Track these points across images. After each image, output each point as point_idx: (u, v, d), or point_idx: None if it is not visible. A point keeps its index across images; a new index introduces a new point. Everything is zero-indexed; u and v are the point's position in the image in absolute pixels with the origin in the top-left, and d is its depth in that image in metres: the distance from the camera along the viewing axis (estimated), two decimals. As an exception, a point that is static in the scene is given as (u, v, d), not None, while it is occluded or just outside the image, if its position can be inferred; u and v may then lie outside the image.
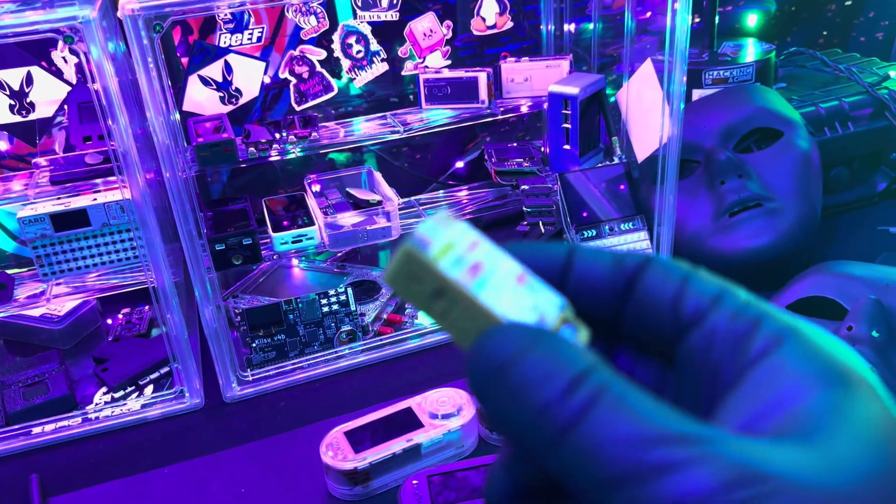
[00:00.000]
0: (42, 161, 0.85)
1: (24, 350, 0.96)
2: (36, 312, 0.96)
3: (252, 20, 1.01)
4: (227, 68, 1.01)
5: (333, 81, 1.05)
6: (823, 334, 0.19)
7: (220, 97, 1.03)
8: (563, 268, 0.22)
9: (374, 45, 1.04)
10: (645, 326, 0.22)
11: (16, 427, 0.81)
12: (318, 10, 1.01)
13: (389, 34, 1.05)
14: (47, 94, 0.95)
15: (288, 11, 1.01)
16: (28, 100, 0.95)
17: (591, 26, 1.05)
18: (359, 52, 1.04)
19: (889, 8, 1.30)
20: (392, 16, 1.01)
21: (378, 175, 0.98)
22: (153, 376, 0.89)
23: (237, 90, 1.03)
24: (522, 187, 0.97)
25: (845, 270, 0.77)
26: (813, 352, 0.19)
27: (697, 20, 1.14)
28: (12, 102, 0.94)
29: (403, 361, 0.90)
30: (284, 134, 0.88)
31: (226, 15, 0.99)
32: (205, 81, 1.01)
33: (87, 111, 0.87)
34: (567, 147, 0.97)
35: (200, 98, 1.02)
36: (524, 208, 0.96)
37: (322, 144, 0.90)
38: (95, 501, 0.73)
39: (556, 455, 0.17)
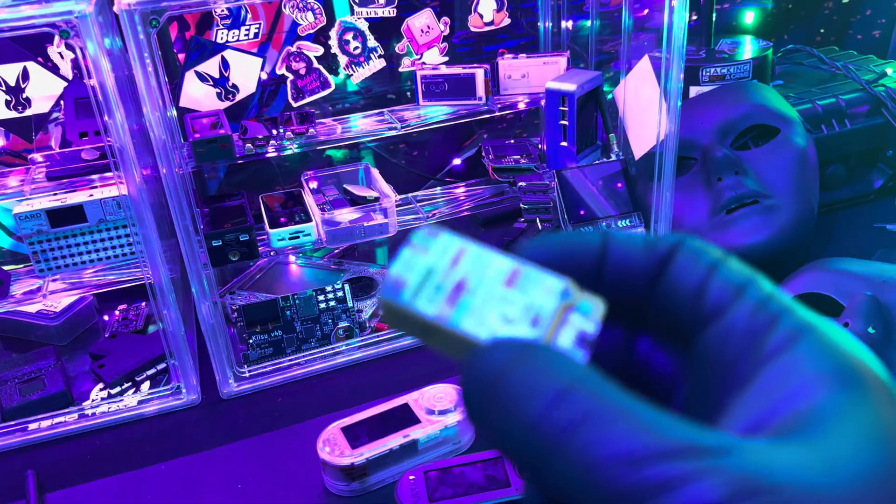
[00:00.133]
0: (38, 157, 0.85)
1: (20, 346, 0.96)
2: (32, 308, 0.96)
3: (249, 16, 1.01)
4: (224, 64, 1.01)
5: (330, 78, 1.05)
6: (840, 332, 0.19)
7: (217, 93, 1.02)
8: (598, 257, 0.22)
9: (372, 42, 1.04)
10: (667, 314, 0.22)
11: (12, 423, 0.81)
12: (316, 6, 1.00)
13: (387, 30, 1.05)
14: (43, 90, 0.95)
15: (285, 7, 1.00)
16: (24, 95, 0.94)
17: (588, 23, 1.05)
18: (356, 48, 1.04)
19: (886, 5, 1.30)
20: (389, 12, 1.01)
21: (375, 172, 0.98)
22: (150, 372, 0.88)
23: (234, 86, 1.03)
24: (520, 184, 0.97)
25: (842, 267, 0.78)
26: (828, 350, 0.18)
27: (695, 17, 1.14)
28: (8, 98, 0.94)
29: (400, 358, 0.90)
30: (281, 130, 0.88)
31: (223, 10, 0.99)
32: (201, 77, 1.01)
33: (84, 107, 0.87)
34: (564, 144, 0.97)
35: (197, 94, 1.01)
36: (521, 205, 0.96)
37: (319, 141, 0.90)
38: (92, 497, 0.73)
39: (550, 474, 0.16)
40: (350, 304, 0.89)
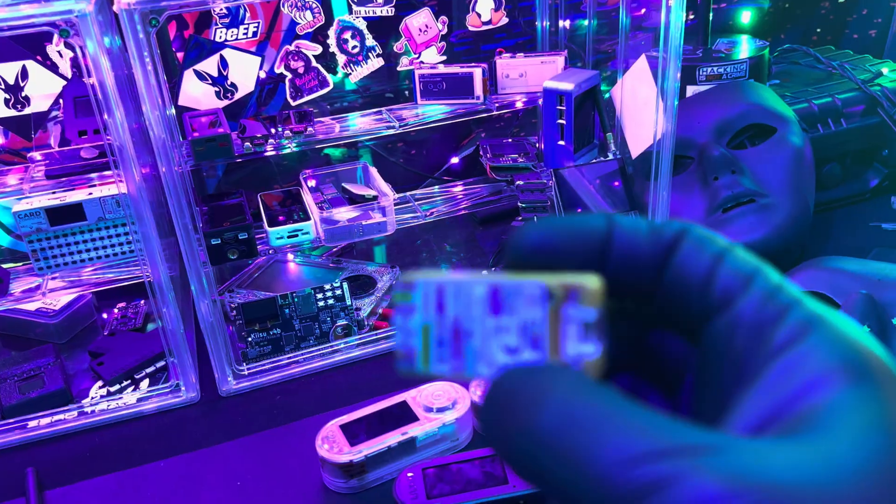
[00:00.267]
0: (37, 155, 0.85)
1: (19, 344, 0.96)
2: (32, 307, 0.96)
3: (247, 15, 1.01)
4: (223, 63, 1.02)
5: (329, 77, 1.05)
6: (850, 325, 0.19)
7: (216, 92, 1.03)
8: (603, 242, 0.22)
9: (370, 41, 1.05)
10: (674, 303, 0.21)
11: (12, 421, 0.82)
12: (314, 6, 1.01)
13: (385, 30, 1.05)
14: (42, 89, 0.95)
15: (283, 6, 1.01)
16: (23, 94, 0.95)
17: (585, 22, 1.05)
18: (354, 47, 1.04)
19: (882, 5, 1.31)
20: (387, 11, 1.02)
21: (373, 170, 0.98)
22: (149, 370, 0.89)
23: (233, 85, 1.03)
24: (517, 183, 0.98)
25: (837, 266, 0.78)
26: (838, 344, 0.18)
27: (692, 17, 1.14)
28: (7, 96, 0.94)
29: (398, 356, 0.90)
30: (280, 129, 0.88)
31: (221, 10, 0.99)
32: (200, 76, 1.01)
33: (83, 105, 0.87)
34: (562, 143, 0.97)
35: (196, 93, 1.02)
36: (519, 204, 0.96)
37: (317, 139, 0.91)
38: (91, 495, 0.73)
39: (553, 479, 0.17)
40: (348, 302, 0.90)
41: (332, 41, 1.03)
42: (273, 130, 0.88)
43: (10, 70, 0.93)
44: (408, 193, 1.03)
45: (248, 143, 0.85)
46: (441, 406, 0.74)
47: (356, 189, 0.93)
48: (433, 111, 0.96)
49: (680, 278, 0.21)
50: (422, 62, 1.08)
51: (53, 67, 0.95)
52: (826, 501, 0.15)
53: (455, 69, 0.97)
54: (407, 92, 1.10)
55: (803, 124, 1.02)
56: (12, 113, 0.95)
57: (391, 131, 0.93)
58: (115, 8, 0.68)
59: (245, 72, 1.03)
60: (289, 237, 0.87)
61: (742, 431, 0.18)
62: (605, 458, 0.16)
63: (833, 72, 1.14)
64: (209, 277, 0.81)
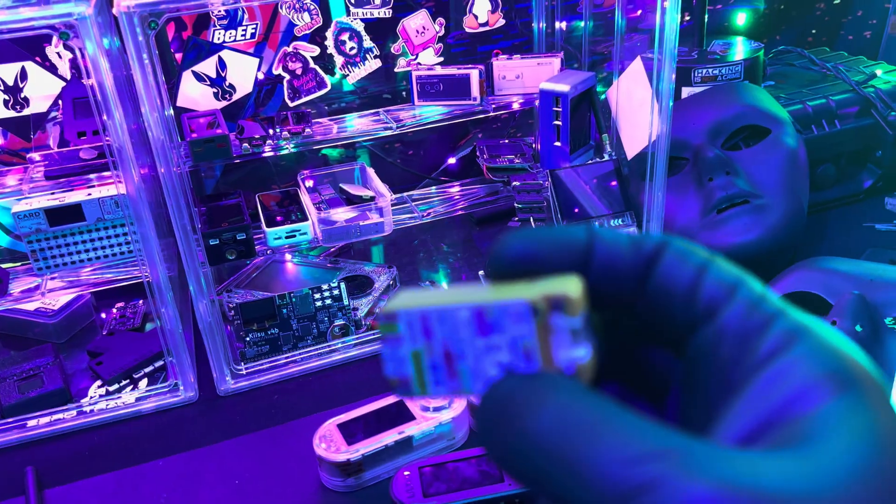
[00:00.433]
0: (36, 156, 0.86)
1: (18, 344, 0.97)
2: (31, 306, 0.97)
3: (246, 16, 1.01)
4: (221, 64, 1.02)
5: (327, 78, 1.06)
6: (834, 334, 0.19)
7: (214, 93, 1.03)
8: (584, 253, 0.22)
9: (368, 42, 1.05)
10: (658, 315, 0.21)
11: (11, 420, 0.82)
12: (312, 7, 1.01)
13: (382, 31, 1.06)
14: (41, 90, 0.96)
15: (281, 8, 1.01)
16: (22, 95, 0.95)
17: (582, 24, 1.06)
18: (352, 48, 1.05)
19: (877, 7, 1.32)
20: (385, 13, 1.02)
21: (371, 171, 0.99)
22: (147, 370, 0.89)
23: (231, 86, 1.03)
24: (514, 183, 0.98)
25: (830, 266, 0.79)
26: (823, 354, 0.18)
27: (687, 18, 1.15)
28: (6, 97, 0.95)
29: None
30: (278, 130, 0.89)
31: (220, 11, 0.99)
32: (198, 77, 1.02)
33: (82, 106, 0.88)
34: (558, 144, 0.98)
35: (194, 94, 1.02)
36: (515, 204, 0.97)
37: (315, 140, 0.91)
38: (90, 493, 0.74)
39: (548, 481, 0.17)
40: (346, 302, 0.90)
41: (329, 42, 1.04)
42: (271, 131, 0.88)
43: (9, 71, 0.94)
44: (405, 194, 1.04)
45: (246, 144, 0.86)
46: (437, 406, 0.74)
47: (354, 190, 0.94)
48: (430, 112, 0.97)
49: (663, 290, 0.21)
50: (419, 63, 1.08)
51: (52, 69, 0.95)
52: None
53: (452, 70, 0.97)
54: (404, 93, 1.10)
55: (797, 125, 1.03)
56: (11, 114, 0.95)
57: (388, 132, 0.94)
58: (114, 11, 0.68)
59: (243, 73, 1.03)
60: (287, 237, 0.88)
61: (730, 441, 0.18)
62: (599, 460, 0.16)
63: (827, 73, 1.15)
64: (207, 277, 0.81)
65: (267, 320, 0.88)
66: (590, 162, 1.01)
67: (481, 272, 1.04)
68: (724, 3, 1.29)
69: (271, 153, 0.88)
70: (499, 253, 0.22)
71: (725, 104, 0.98)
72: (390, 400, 0.76)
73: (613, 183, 0.99)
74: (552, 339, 0.19)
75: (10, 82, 0.94)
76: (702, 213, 0.92)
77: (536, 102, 0.99)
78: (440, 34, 1.08)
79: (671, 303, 0.21)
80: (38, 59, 0.94)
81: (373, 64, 1.07)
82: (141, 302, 1.00)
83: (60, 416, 0.83)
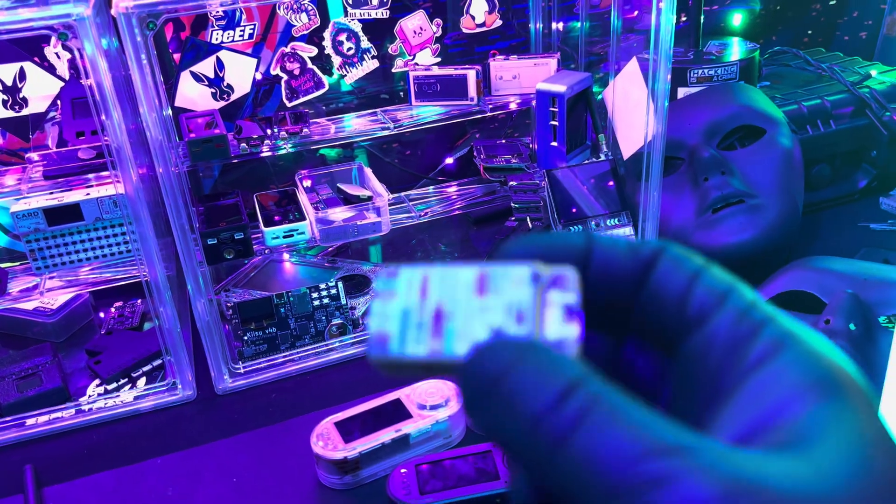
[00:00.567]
0: (35, 156, 0.86)
1: (17, 343, 0.97)
2: (29, 306, 0.97)
3: (244, 17, 1.02)
4: (219, 65, 1.02)
5: (324, 78, 1.06)
6: (821, 341, 0.20)
7: (212, 93, 1.03)
8: (582, 259, 0.22)
9: (365, 43, 1.06)
10: (651, 320, 0.22)
11: (9, 419, 0.82)
12: (310, 8, 1.02)
13: (380, 32, 1.06)
14: (40, 90, 0.96)
15: (279, 8, 1.02)
16: (21, 95, 0.95)
17: (578, 25, 1.06)
18: (350, 49, 1.05)
19: (872, 7, 1.32)
20: (383, 13, 1.03)
21: (368, 171, 0.99)
22: (146, 369, 0.90)
23: (229, 86, 1.04)
24: (511, 183, 0.99)
25: (824, 265, 0.79)
26: (809, 361, 0.19)
27: (683, 19, 1.15)
28: (5, 97, 0.95)
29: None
30: (276, 130, 0.89)
31: (218, 12, 1.00)
32: (197, 78, 1.02)
33: (80, 106, 0.88)
34: (554, 144, 0.98)
35: (192, 94, 1.02)
36: (512, 204, 0.98)
37: (313, 140, 0.92)
38: (89, 492, 0.74)
39: (551, 469, 0.17)
40: (343, 301, 0.91)
41: (327, 43, 1.04)
42: (269, 131, 0.89)
43: (7, 71, 0.94)
44: (402, 194, 1.04)
45: (244, 144, 0.86)
46: (434, 403, 0.75)
47: (351, 189, 0.94)
48: (428, 112, 0.98)
49: (657, 295, 0.21)
50: (416, 64, 1.09)
51: (51, 69, 0.96)
52: None
53: (449, 71, 0.98)
54: (402, 93, 1.11)
55: (793, 126, 1.03)
56: (10, 114, 0.96)
57: (386, 132, 0.94)
58: (112, 12, 0.69)
59: (241, 73, 1.04)
60: (284, 237, 0.88)
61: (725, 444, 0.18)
62: (609, 453, 0.16)
63: (823, 74, 1.15)
64: (205, 277, 0.82)
65: (265, 319, 0.89)
66: (586, 162, 1.01)
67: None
68: (720, 4, 1.29)
69: (269, 153, 0.88)
70: (498, 258, 0.22)
71: (721, 104, 0.99)
72: (387, 398, 0.77)
73: (610, 183, 0.99)
74: (547, 312, 0.20)
75: (9, 82, 0.95)
76: (697, 212, 0.93)
77: (533, 103, 0.99)
78: (437, 35, 1.09)
79: (664, 308, 0.21)
80: (36, 59, 0.95)
81: (370, 64, 1.07)
82: (139, 301, 1.00)
83: (59, 414, 0.83)
